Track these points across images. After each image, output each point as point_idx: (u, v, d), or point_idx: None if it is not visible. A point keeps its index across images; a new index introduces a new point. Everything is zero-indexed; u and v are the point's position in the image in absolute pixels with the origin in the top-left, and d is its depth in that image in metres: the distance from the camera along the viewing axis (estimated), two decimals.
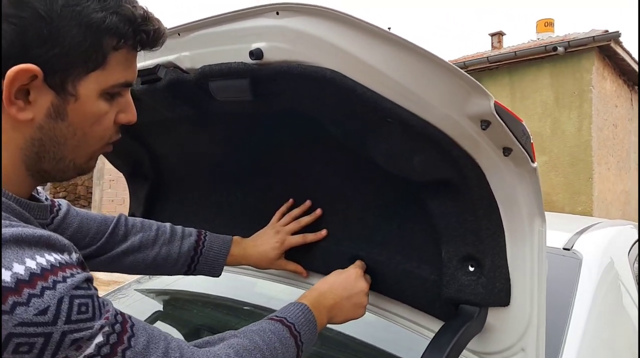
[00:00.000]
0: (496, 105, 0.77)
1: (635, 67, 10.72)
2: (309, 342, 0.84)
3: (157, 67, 1.03)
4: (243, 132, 1.20)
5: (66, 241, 0.60)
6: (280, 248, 1.18)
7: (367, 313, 1.16)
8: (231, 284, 1.83)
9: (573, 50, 9.65)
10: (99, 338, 0.56)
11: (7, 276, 0.51)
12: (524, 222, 0.91)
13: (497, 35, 12.73)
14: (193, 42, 0.96)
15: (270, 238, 1.19)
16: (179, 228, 1.18)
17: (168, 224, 1.18)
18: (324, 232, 1.20)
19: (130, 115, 0.75)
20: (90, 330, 0.55)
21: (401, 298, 1.09)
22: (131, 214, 1.60)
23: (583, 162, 9.62)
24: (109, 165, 14.86)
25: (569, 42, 9.59)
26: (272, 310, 1.69)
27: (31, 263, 0.53)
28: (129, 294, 1.85)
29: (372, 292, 1.13)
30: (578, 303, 1.22)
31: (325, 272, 1.23)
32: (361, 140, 0.95)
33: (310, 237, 1.20)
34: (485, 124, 0.79)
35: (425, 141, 0.84)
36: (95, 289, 0.61)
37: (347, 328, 1.45)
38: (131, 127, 1.33)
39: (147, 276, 2.01)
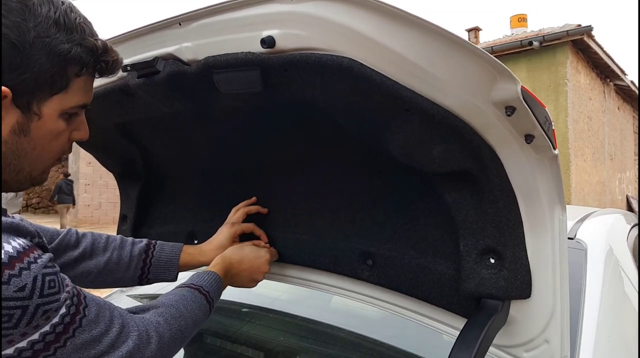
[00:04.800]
0: (522, 90, 0.74)
1: (608, 61, 10.94)
2: (216, 303, 1.00)
3: (156, 59, 0.98)
4: (245, 126, 1.15)
5: (30, 227, 0.68)
6: (235, 235, 1.27)
7: (380, 310, 1.13)
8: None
9: (548, 45, 9.80)
10: (63, 310, 0.66)
11: None
12: (545, 211, 0.89)
13: (474, 31, 12.86)
14: (196, 32, 0.91)
15: (226, 230, 1.27)
16: (129, 238, 1.22)
17: (119, 236, 1.21)
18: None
19: (83, 132, 0.82)
20: (57, 303, 0.65)
21: (417, 294, 1.05)
22: (122, 216, 1.53)
23: (560, 154, 9.60)
24: (84, 169, 14.54)
25: (543, 36, 9.75)
26: (272, 311, 1.67)
27: (8, 248, 0.62)
28: (121, 300, 1.78)
29: (387, 290, 1.10)
30: (589, 293, 1.20)
31: (334, 269, 1.19)
32: (376, 132, 0.91)
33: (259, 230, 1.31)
34: (510, 110, 0.76)
35: (445, 131, 0.81)
36: (56, 266, 0.69)
37: (361, 328, 1.42)
38: (123, 124, 1.29)
39: None
